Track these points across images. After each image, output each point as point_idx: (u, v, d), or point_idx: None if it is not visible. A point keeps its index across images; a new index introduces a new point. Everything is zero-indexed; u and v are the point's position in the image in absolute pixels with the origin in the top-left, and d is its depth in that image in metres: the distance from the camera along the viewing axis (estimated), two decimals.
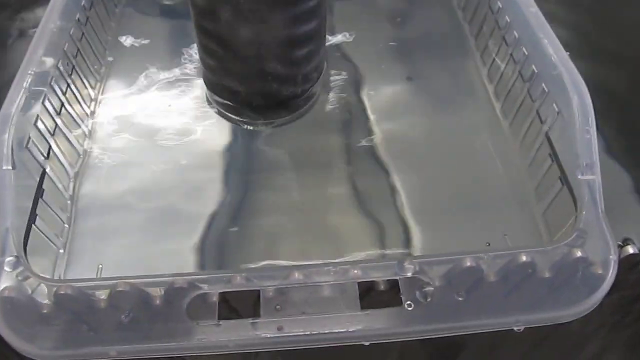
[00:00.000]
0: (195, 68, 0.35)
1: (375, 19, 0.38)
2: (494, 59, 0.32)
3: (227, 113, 0.32)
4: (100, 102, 0.33)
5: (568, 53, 0.26)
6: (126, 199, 0.29)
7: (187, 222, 0.28)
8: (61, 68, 0.29)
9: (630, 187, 0.28)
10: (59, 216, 0.27)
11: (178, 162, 0.30)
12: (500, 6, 0.31)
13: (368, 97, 0.33)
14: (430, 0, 0.39)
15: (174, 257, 0.27)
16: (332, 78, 0.34)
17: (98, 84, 0.33)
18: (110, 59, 0.35)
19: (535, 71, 0.27)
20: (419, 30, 0.37)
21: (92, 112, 0.32)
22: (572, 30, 0.36)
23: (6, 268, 0.22)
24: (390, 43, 0.36)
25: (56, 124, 0.28)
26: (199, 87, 0.34)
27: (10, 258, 0.22)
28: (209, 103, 0.33)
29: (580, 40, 0.36)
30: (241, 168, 0.30)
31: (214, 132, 0.32)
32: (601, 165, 0.24)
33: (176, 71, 0.35)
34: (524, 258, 0.21)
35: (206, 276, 0.21)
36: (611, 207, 0.23)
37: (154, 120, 0.32)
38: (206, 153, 0.31)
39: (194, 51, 0.36)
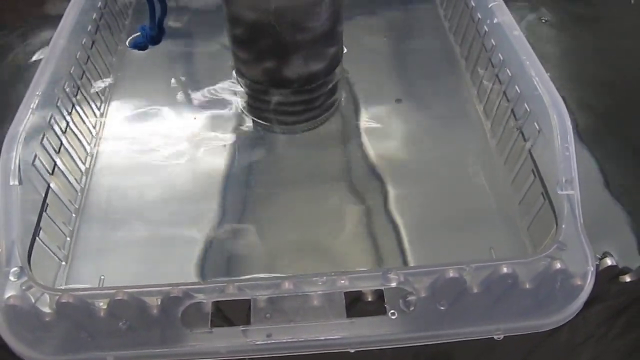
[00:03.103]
0: (195, 93, 0.36)
1: (368, 38, 0.39)
2: (482, 80, 0.33)
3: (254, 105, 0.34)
4: (104, 122, 0.34)
5: (549, 74, 0.27)
6: (127, 214, 0.30)
7: (186, 236, 0.29)
8: (67, 90, 0.31)
9: (611, 203, 0.29)
10: (61, 230, 0.28)
11: (178, 178, 0.32)
12: (487, 30, 0.32)
13: (363, 116, 0.34)
14: (423, 24, 0.40)
15: (173, 268, 0.28)
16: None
17: (102, 105, 0.35)
18: (113, 80, 0.37)
19: (519, 92, 0.28)
20: (412, 52, 0.38)
21: (97, 132, 0.33)
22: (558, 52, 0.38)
23: (11, 278, 0.23)
24: (384, 63, 0.37)
25: (61, 143, 0.29)
26: (197, 108, 0.35)
27: (15, 268, 0.23)
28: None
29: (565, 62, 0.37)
30: (240, 184, 0.32)
31: (214, 151, 0.33)
32: (585, 183, 0.25)
33: (178, 95, 0.36)
34: (505, 269, 0.22)
35: (200, 286, 0.22)
36: (592, 222, 0.24)
37: (155, 139, 0.34)
38: (206, 171, 0.32)
39: (194, 76, 0.37)
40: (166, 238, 0.29)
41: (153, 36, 0.33)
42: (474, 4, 0.34)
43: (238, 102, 0.35)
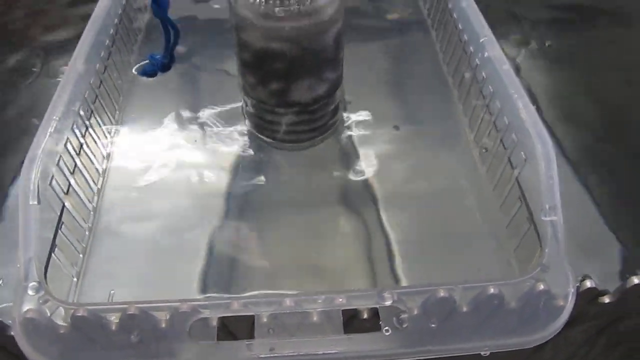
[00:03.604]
0: (201, 114, 0.38)
1: (367, 68, 0.41)
2: (473, 110, 0.35)
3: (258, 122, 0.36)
4: (115, 143, 0.36)
5: (535, 107, 0.29)
6: (135, 232, 0.32)
7: (190, 252, 0.31)
8: (81, 113, 0.32)
9: (596, 226, 0.31)
10: (75, 247, 0.29)
11: (183, 197, 0.33)
12: (478, 63, 0.34)
13: (362, 142, 0.36)
14: (419, 54, 0.43)
15: (179, 285, 0.30)
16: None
17: (113, 127, 0.37)
18: (123, 103, 0.39)
19: (507, 122, 0.30)
20: (409, 81, 0.40)
21: (107, 153, 0.35)
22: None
23: (30, 292, 0.24)
24: (382, 91, 0.39)
25: (75, 164, 0.31)
26: (203, 129, 0.37)
27: (34, 283, 0.24)
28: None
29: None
30: (242, 204, 0.33)
31: (218, 171, 0.35)
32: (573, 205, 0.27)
33: (184, 117, 0.38)
34: (492, 290, 0.24)
35: (207, 302, 0.24)
36: (577, 244, 0.26)
37: (161, 160, 0.35)
38: (210, 191, 0.34)
39: (200, 98, 0.39)
40: (171, 254, 0.31)
41: (164, 64, 0.35)
42: (466, 38, 0.36)
43: (245, 121, 0.37)
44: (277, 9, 0.29)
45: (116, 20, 0.40)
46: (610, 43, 0.46)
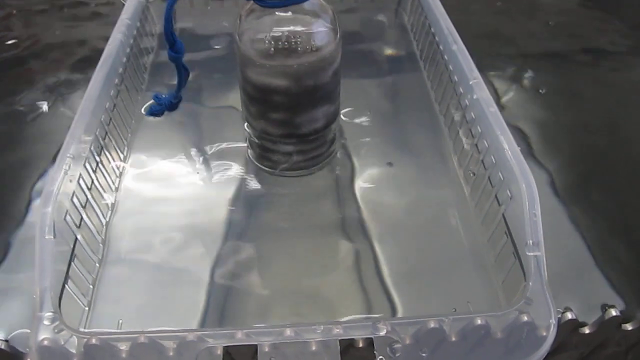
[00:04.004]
0: (205, 147, 0.40)
1: (362, 107, 0.43)
2: (463, 148, 0.37)
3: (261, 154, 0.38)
4: (123, 178, 0.38)
5: (520, 148, 0.31)
6: (142, 262, 0.33)
7: (194, 282, 0.32)
8: (92, 149, 0.34)
9: (573, 264, 0.33)
10: (85, 278, 0.31)
11: (187, 228, 0.35)
12: (467, 104, 0.36)
13: (358, 176, 0.38)
14: (411, 92, 0.45)
15: (182, 313, 0.31)
16: None
17: (122, 164, 0.39)
18: (131, 139, 0.41)
19: (494, 161, 0.32)
20: (402, 120, 0.42)
21: (116, 187, 0.37)
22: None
23: (45, 322, 0.26)
24: (377, 129, 0.42)
25: (87, 198, 0.33)
26: (206, 161, 0.39)
27: (49, 313, 0.26)
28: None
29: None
30: (241, 234, 0.35)
31: (219, 202, 0.37)
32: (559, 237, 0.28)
33: (189, 151, 0.40)
34: (479, 321, 0.25)
35: (212, 332, 0.26)
36: (556, 281, 0.28)
37: (166, 193, 0.37)
38: (212, 222, 0.36)
39: (204, 132, 0.41)
40: (174, 284, 0.33)
41: (173, 103, 0.37)
42: (456, 79, 0.38)
43: (247, 151, 0.39)
44: (277, 50, 0.32)
45: (124, 60, 0.42)
46: (596, 81, 0.48)
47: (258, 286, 0.32)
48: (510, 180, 0.30)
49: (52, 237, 0.28)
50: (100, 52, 0.39)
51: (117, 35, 0.41)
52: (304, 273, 0.33)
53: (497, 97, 0.45)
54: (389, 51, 0.49)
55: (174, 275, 0.33)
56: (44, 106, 0.44)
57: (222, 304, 0.31)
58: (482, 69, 0.37)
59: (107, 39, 0.40)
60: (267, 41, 0.32)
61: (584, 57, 0.51)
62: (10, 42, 0.52)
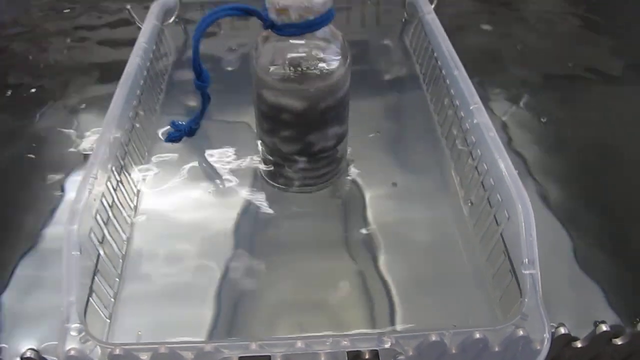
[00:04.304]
0: (218, 165, 0.42)
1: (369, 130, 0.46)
2: (463, 170, 0.39)
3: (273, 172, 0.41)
4: (141, 195, 0.40)
5: (517, 171, 0.33)
6: (159, 277, 0.35)
7: (204, 295, 0.34)
8: (113, 169, 0.36)
9: (567, 281, 0.35)
10: (107, 292, 0.33)
11: (201, 243, 0.37)
12: (468, 127, 0.38)
13: (365, 195, 0.40)
14: (415, 115, 0.47)
15: (193, 323, 0.33)
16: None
17: (140, 182, 0.41)
18: (148, 158, 0.43)
19: (492, 183, 0.34)
20: (406, 142, 0.44)
21: (134, 205, 0.39)
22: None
23: (72, 333, 0.28)
24: (382, 150, 0.44)
25: (108, 215, 0.35)
26: (220, 179, 0.41)
27: (76, 325, 0.28)
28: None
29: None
30: (251, 249, 0.37)
31: (232, 217, 0.39)
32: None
33: (204, 164, 0.42)
34: (477, 335, 0.27)
35: (228, 343, 0.27)
36: (551, 297, 0.30)
37: (181, 211, 0.39)
38: (226, 236, 0.38)
39: (217, 150, 0.43)
40: (189, 297, 0.34)
41: (193, 129, 0.39)
42: (458, 103, 0.40)
43: (260, 168, 0.41)
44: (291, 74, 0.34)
45: (142, 82, 0.44)
46: (594, 105, 0.50)
47: (265, 299, 0.34)
48: (507, 202, 0.32)
49: (78, 253, 0.30)
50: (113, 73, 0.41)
51: (135, 59, 0.44)
52: (310, 287, 0.35)
53: (497, 119, 0.48)
54: (393, 74, 0.51)
55: (186, 289, 0.35)
56: (59, 126, 0.47)
57: (230, 316, 0.33)
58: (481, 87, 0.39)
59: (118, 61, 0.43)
60: (282, 66, 0.34)
61: (580, 78, 0.53)
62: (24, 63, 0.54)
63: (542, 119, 0.47)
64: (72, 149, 0.44)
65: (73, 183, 0.41)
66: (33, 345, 0.31)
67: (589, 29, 0.59)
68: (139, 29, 0.49)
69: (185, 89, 0.49)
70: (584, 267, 0.35)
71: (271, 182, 0.41)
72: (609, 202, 0.40)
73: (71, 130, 0.46)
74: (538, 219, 0.31)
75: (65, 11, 0.61)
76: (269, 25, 0.33)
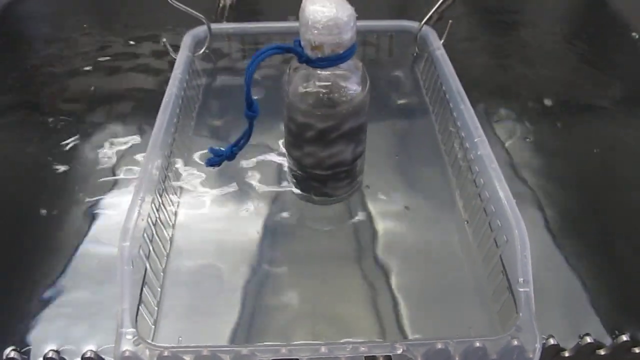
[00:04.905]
0: (250, 183, 0.47)
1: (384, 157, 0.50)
2: (467, 196, 0.44)
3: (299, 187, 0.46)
4: (178, 213, 0.45)
5: (515, 200, 0.37)
6: (193, 288, 0.40)
7: (233, 304, 0.38)
8: (157, 191, 0.41)
9: (559, 298, 0.39)
10: (151, 301, 0.37)
11: (227, 257, 0.41)
12: (472, 158, 0.43)
13: (377, 217, 0.45)
14: (424, 142, 0.51)
15: (226, 329, 0.37)
16: None
17: (176, 202, 0.45)
18: (184, 177, 0.47)
19: (493, 210, 0.38)
20: (416, 168, 0.49)
21: (172, 222, 0.44)
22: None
23: (127, 337, 0.32)
24: (395, 177, 0.48)
25: (152, 233, 0.39)
26: (249, 196, 0.46)
27: (130, 329, 0.32)
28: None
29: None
30: (268, 259, 0.41)
31: (255, 230, 0.43)
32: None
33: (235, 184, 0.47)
34: (477, 344, 0.31)
35: (262, 347, 0.32)
36: (545, 311, 0.34)
37: (213, 223, 0.44)
38: (253, 247, 0.42)
39: (244, 169, 0.48)
40: (219, 305, 0.39)
41: (234, 153, 0.43)
42: (463, 135, 0.45)
43: (287, 179, 0.47)
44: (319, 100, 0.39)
45: (178, 111, 0.49)
46: (586, 133, 0.54)
47: (282, 307, 0.39)
48: (506, 228, 0.36)
49: (130, 267, 0.34)
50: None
51: (172, 90, 0.48)
52: (324, 297, 0.39)
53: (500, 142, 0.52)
54: (404, 103, 0.56)
55: (214, 299, 0.39)
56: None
57: (249, 322, 0.38)
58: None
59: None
60: (311, 92, 0.39)
61: (577, 111, 0.57)
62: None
63: (527, 139, 0.52)
64: (106, 172, 0.49)
65: (107, 205, 0.46)
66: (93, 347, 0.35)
67: (586, 63, 0.64)
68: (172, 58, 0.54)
69: (213, 113, 0.55)
70: (581, 278, 0.40)
71: (297, 191, 0.46)
72: (602, 225, 0.45)
73: (105, 152, 0.51)
74: (536, 239, 0.35)
75: (99, 38, 0.66)
76: (305, 60, 0.38)
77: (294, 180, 0.46)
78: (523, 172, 0.49)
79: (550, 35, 0.68)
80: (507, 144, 0.52)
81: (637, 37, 0.66)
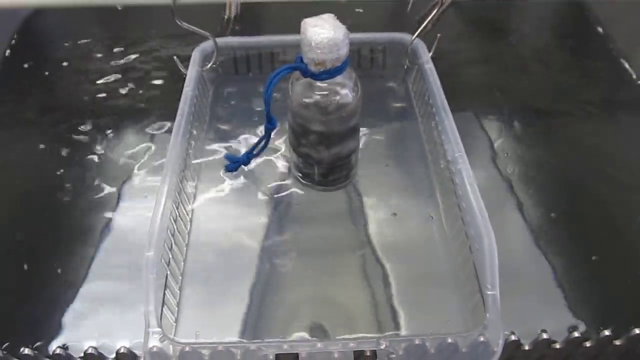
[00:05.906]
0: (260, 188, 0.52)
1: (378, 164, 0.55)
2: (448, 206, 0.49)
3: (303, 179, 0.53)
4: (192, 221, 0.50)
5: (499, 199, 0.43)
6: (208, 290, 0.46)
7: (243, 305, 0.44)
8: (173, 204, 0.46)
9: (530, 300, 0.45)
10: (172, 302, 0.43)
11: (235, 258, 0.47)
12: (453, 171, 0.47)
13: (369, 222, 0.50)
14: (412, 155, 0.56)
15: (233, 326, 0.43)
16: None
17: (190, 211, 0.51)
18: (196, 192, 0.53)
19: (469, 220, 0.44)
20: (404, 178, 0.54)
21: (188, 230, 0.49)
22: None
23: (154, 335, 0.38)
24: (385, 184, 0.54)
25: (172, 242, 0.45)
26: (262, 200, 0.51)
27: (157, 328, 0.38)
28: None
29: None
30: (272, 255, 0.47)
31: (256, 229, 0.49)
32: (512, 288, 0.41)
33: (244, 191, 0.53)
34: (450, 340, 0.37)
35: (267, 343, 0.38)
36: (529, 307, 0.40)
37: (224, 229, 0.49)
38: (257, 249, 0.48)
39: (252, 173, 0.54)
40: (231, 304, 0.45)
41: (249, 159, 0.51)
42: (445, 149, 0.50)
43: (288, 186, 0.53)
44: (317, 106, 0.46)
45: (189, 127, 0.54)
46: (569, 136, 0.59)
47: (285, 300, 0.45)
48: (478, 236, 0.42)
49: (154, 274, 0.40)
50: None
51: (184, 107, 0.53)
52: (324, 291, 0.46)
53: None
54: (395, 113, 0.61)
55: (229, 293, 0.45)
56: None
57: (256, 317, 0.44)
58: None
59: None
60: (311, 101, 0.46)
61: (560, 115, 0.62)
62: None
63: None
64: (125, 181, 0.54)
65: (123, 215, 0.52)
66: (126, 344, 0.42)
67: (572, 68, 0.68)
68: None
69: (223, 120, 0.60)
70: (559, 282, 0.46)
71: (301, 181, 0.53)
72: (583, 223, 0.51)
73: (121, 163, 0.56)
74: (518, 240, 0.45)
75: (115, 50, 0.70)
76: (309, 75, 0.44)
77: (299, 174, 0.53)
78: (508, 173, 0.54)
79: (535, 42, 0.72)
80: (495, 145, 0.57)
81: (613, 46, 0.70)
